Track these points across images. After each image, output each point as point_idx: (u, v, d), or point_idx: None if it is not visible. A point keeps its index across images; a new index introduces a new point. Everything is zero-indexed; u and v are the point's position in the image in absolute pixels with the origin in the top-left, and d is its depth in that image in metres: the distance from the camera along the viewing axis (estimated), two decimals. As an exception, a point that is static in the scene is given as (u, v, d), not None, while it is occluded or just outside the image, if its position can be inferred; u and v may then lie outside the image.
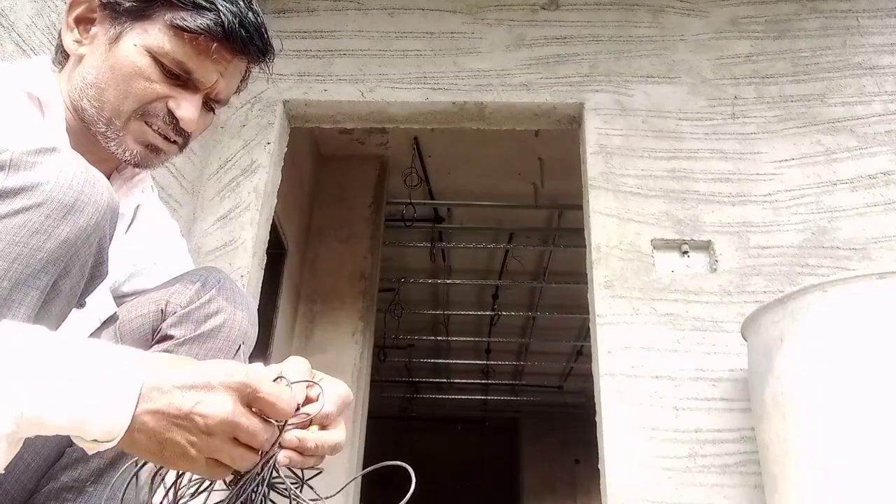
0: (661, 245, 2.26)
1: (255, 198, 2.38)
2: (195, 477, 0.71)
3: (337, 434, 0.74)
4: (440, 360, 7.18)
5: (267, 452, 0.68)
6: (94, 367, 0.60)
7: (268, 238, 2.46)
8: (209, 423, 0.61)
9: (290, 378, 0.72)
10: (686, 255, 2.25)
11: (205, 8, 0.92)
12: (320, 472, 0.74)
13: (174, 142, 0.98)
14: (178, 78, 0.94)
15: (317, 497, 0.74)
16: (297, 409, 0.72)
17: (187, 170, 2.35)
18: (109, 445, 0.60)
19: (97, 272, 0.78)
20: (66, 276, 0.72)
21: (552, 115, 2.57)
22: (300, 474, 0.73)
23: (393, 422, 7.97)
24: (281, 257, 3.43)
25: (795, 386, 1.59)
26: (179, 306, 0.96)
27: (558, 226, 4.73)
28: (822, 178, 2.31)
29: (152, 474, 0.71)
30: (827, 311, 1.58)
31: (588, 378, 2.20)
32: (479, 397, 8.25)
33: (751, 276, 2.18)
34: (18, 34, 1.50)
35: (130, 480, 0.86)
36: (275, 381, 0.70)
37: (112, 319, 0.98)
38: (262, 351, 3.26)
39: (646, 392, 2.04)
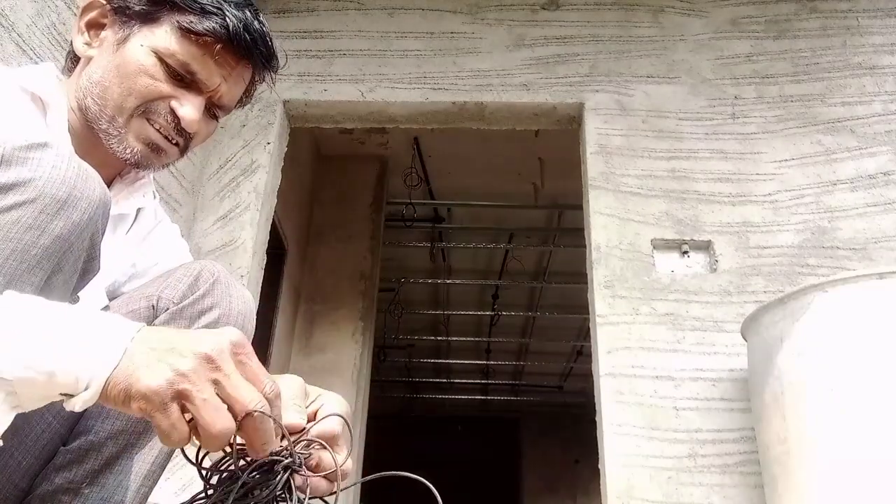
0: (661, 245, 2.26)
1: (255, 198, 2.38)
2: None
3: (344, 459, 0.73)
4: (440, 360, 7.18)
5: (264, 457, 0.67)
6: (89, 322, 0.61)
7: (268, 238, 2.46)
8: (198, 352, 0.59)
9: (290, 395, 0.72)
10: (686, 255, 2.25)
11: (212, 13, 0.94)
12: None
13: (175, 143, 0.98)
14: (182, 79, 0.95)
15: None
16: (303, 430, 0.71)
17: (187, 170, 2.35)
18: (89, 394, 0.59)
19: (89, 267, 0.78)
20: (59, 271, 0.72)
21: (552, 115, 2.58)
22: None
23: (393, 422, 7.96)
24: (281, 257, 3.43)
25: (795, 386, 1.59)
26: (172, 302, 0.94)
27: (558, 226, 4.73)
28: (822, 178, 2.31)
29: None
30: (827, 311, 1.58)
31: (588, 378, 2.20)
32: (479, 397, 8.24)
33: (751, 276, 2.18)
34: (18, 34, 1.51)
35: (131, 482, 0.86)
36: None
37: None
38: (262, 351, 3.26)
39: (646, 392, 2.04)
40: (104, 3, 0.98)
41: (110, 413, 0.85)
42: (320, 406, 0.76)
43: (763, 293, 2.12)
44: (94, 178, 0.75)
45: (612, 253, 2.24)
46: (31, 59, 1.53)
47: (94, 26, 0.99)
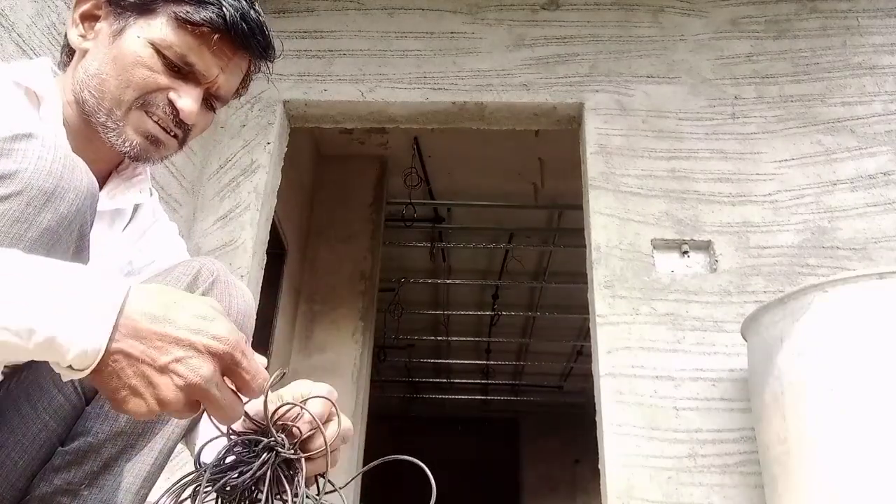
0: (661, 245, 2.26)
1: (254, 198, 2.38)
2: None
3: (338, 423, 0.75)
4: (440, 360, 7.18)
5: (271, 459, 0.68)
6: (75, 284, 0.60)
7: (268, 238, 2.46)
8: (180, 385, 0.60)
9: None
10: (686, 255, 2.25)
11: (209, 3, 0.94)
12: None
13: (174, 135, 0.97)
14: (180, 71, 0.95)
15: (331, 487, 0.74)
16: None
17: (187, 170, 2.35)
18: (82, 374, 0.59)
19: (79, 259, 0.77)
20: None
21: (552, 115, 2.57)
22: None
23: (393, 422, 7.96)
24: (281, 257, 3.42)
25: (795, 386, 1.59)
26: None
27: (558, 226, 4.73)
28: (822, 178, 2.31)
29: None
30: (827, 311, 1.58)
31: (588, 378, 2.20)
32: (479, 397, 8.25)
33: (751, 276, 2.18)
34: (18, 34, 1.50)
35: (130, 484, 0.86)
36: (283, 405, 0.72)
37: None
38: (262, 351, 3.26)
39: (646, 392, 2.04)
40: None
41: (109, 414, 0.85)
42: (308, 392, 0.77)
43: (763, 293, 2.12)
44: (80, 168, 0.74)
45: (612, 253, 2.24)
46: (30, 58, 1.53)
47: (89, 18, 0.98)
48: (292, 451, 0.71)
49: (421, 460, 0.77)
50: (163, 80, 0.94)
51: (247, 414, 0.69)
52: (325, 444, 0.73)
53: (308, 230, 3.91)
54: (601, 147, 2.41)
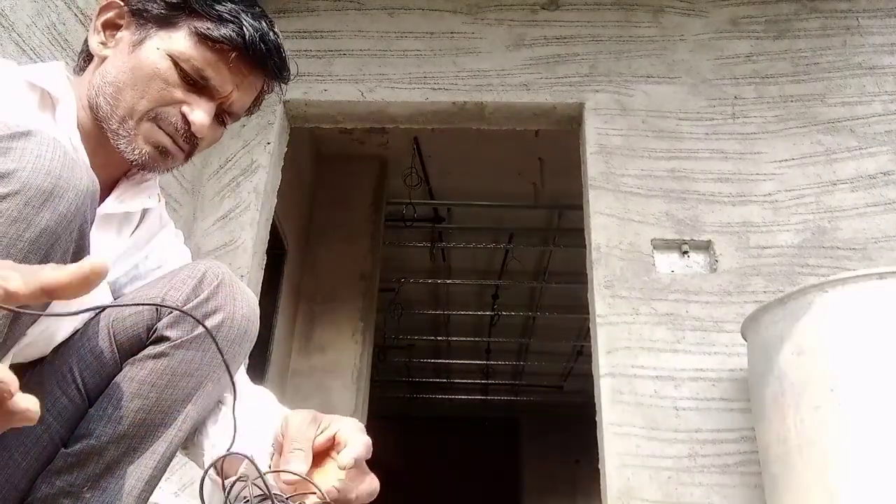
0: (661, 245, 2.26)
1: (255, 198, 2.38)
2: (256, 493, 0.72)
3: (370, 482, 0.79)
4: (440, 360, 7.18)
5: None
6: None
7: (268, 238, 2.46)
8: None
9: (294, 435, 0.76)
10: (686, 255, 2.25)
11: (229, 21, 0.96)
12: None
13: (182, 148, 0.99)
14: (195, 85, 0.96)
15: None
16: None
17: (187, 170, 2.35)
18: None
19: (79, 258, 0.77)
20: (46, 264, 0.72)
21: (552, 115, 2.57)
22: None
23: (393, 422, 7.96)
24: (281, 257, 3.43)
25: (796, 386, 1.59)
26: (176, 305, 0.94)
27: (558, 226, 4.73)
28: (822, 178, 2.31)
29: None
30: (827, 311, 1.58)
31: (588, 378, 2.20)
32: (479, 397, 8.25)
33: (751, 276, 2.18)
34: (18, 34, 1.50)
35: (133, 486, 0.85)
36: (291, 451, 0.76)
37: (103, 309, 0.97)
38: (262, 351, 3.26)
39: (646, 392, 2.04)
40: (122, 4, 0.99)
41: (112, 417, 0.85)
42: (336, 432, 0.81)
43: (763, 293, 2.12)
44: (80, 167, 0.74)
45: (612, 253, 2.24)
46: (30, 58, 1.53)
47: (111, 26, 1.00)
48: None
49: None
50: (178, 93, 0.95)
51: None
52: None
53: (308, 230, 3.91)
54: (601, 147, 2.41)
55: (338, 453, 0.81)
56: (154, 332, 0.93)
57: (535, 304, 5.89)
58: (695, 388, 2.04)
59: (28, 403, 0.48)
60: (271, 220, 2.51)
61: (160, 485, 0.89)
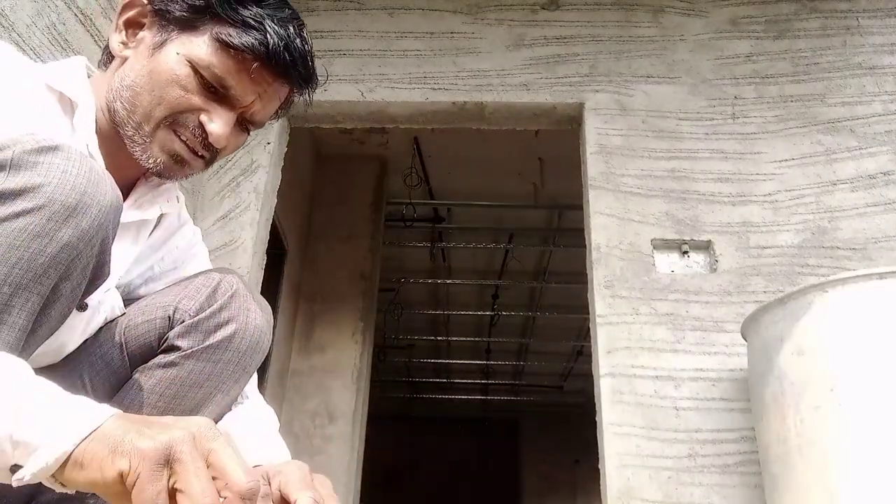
0: (661, 245, 2.26)
1: (255, 198, 2.38)
2: None
3: None
4: (440, 360, 7.18)
5: None
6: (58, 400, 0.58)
7: (268, 238, 2.46)
8: (151, 446, 0.54)
9: (290, 483, 0.69)
10: (686, 255, 2.25)
11: (253, 27, 0.91)
12: None
13: (201, 156, 0.95)
14: (216, 93, 0.92)
15: None
16: None
17: (187, 170, 2.35)
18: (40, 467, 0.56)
19: (99, 273, 0.76)
20: (66, 279, 0.71)
21: (552, 115, 2.57)
22: None
23: (393, 422, 7.96)
24: (281, 257, 3.43)
25: (796, 386, 1.59)
26: (188, 314, 0.92)
27: (558, 226, 4.73)
28: (822, 178, 2.31)
29: None
30: (827, 311, 1.58)
31: (588, 378, 2.20)
32: (479, 397, 8.25)
33: (751, 276, 2.18)
34: (18, 34, 1.50)
35: None
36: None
37: (117, 318, 0.96)
38: (262, 351, 3.25)
39: (646, 392, 2.04)
40: (145, 2, 0.95)
41: None
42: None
43: (763, 293, 2.12)
44: (105, 182, 0.73)
45: (612, 253, 2.24)
46: (31, 58, 1.53)
47: (133, 25, 0.97)
48: None
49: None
50: (196, 100, 0.92)
51: None
52: None
53: (308, 230, 3.91)
54: (601, 147, 2.41)
55: None
56: (165, 340, 0.93)
57: (535, 304, 5.89)
58: (695, 388, 2.04)
59: None
60: (271, 220, 2.51)
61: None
